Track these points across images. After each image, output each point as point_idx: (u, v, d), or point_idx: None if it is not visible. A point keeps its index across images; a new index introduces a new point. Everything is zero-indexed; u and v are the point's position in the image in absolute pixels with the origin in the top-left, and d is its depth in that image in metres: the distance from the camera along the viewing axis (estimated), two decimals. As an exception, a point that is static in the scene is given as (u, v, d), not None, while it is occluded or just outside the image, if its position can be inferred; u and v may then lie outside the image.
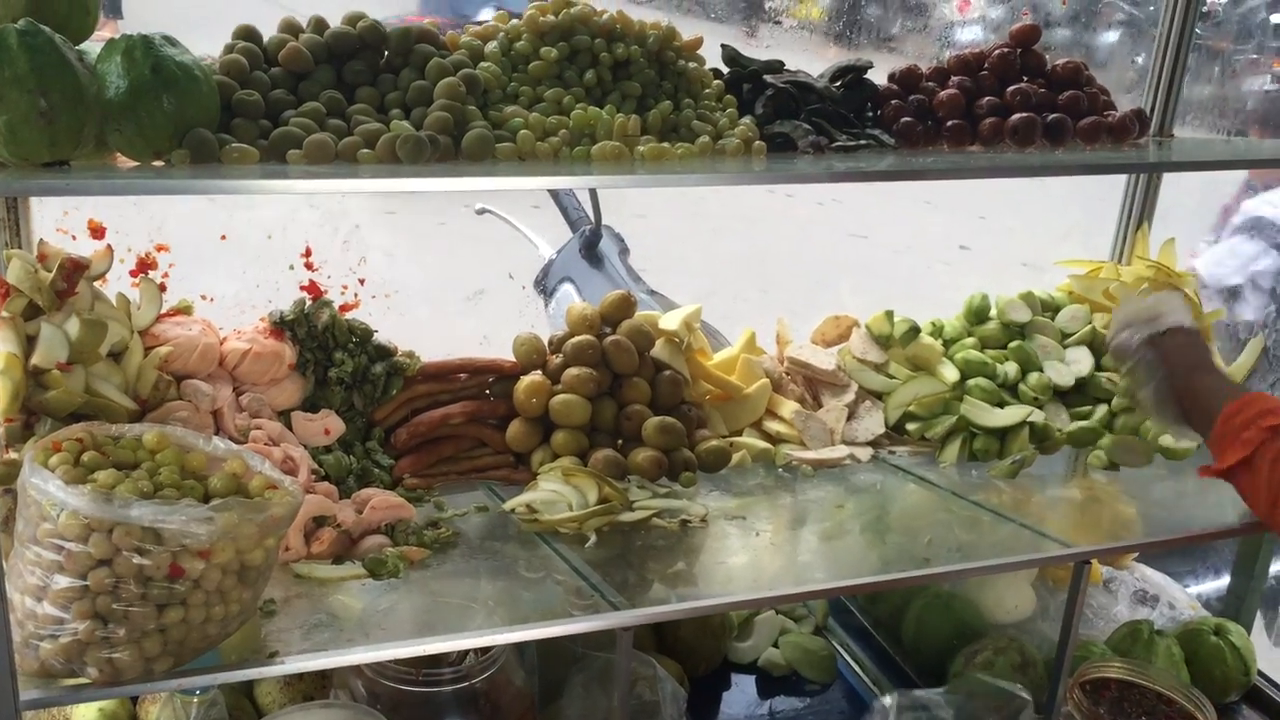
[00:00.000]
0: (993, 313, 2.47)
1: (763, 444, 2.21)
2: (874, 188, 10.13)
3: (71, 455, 1.41)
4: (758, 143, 1.91)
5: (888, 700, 2.02)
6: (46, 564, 1.34)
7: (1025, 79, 2.18)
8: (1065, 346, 2.43)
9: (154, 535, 1.34)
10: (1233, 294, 3.60)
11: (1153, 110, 2.43)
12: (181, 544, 1.35)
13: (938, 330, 2.47)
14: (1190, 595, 2.56)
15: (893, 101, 2.12)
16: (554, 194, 3.08)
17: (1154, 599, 2.44)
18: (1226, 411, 1.83)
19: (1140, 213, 2.55)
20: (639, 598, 1.66)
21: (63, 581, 1.33)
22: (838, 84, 2.12)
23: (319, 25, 1.81)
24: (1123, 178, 2.62)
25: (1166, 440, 2.26)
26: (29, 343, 1.70)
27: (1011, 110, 2.12)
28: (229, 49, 1.75)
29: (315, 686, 1.99)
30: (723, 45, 2.10)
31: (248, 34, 1.78)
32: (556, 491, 1.91)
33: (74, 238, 1.86)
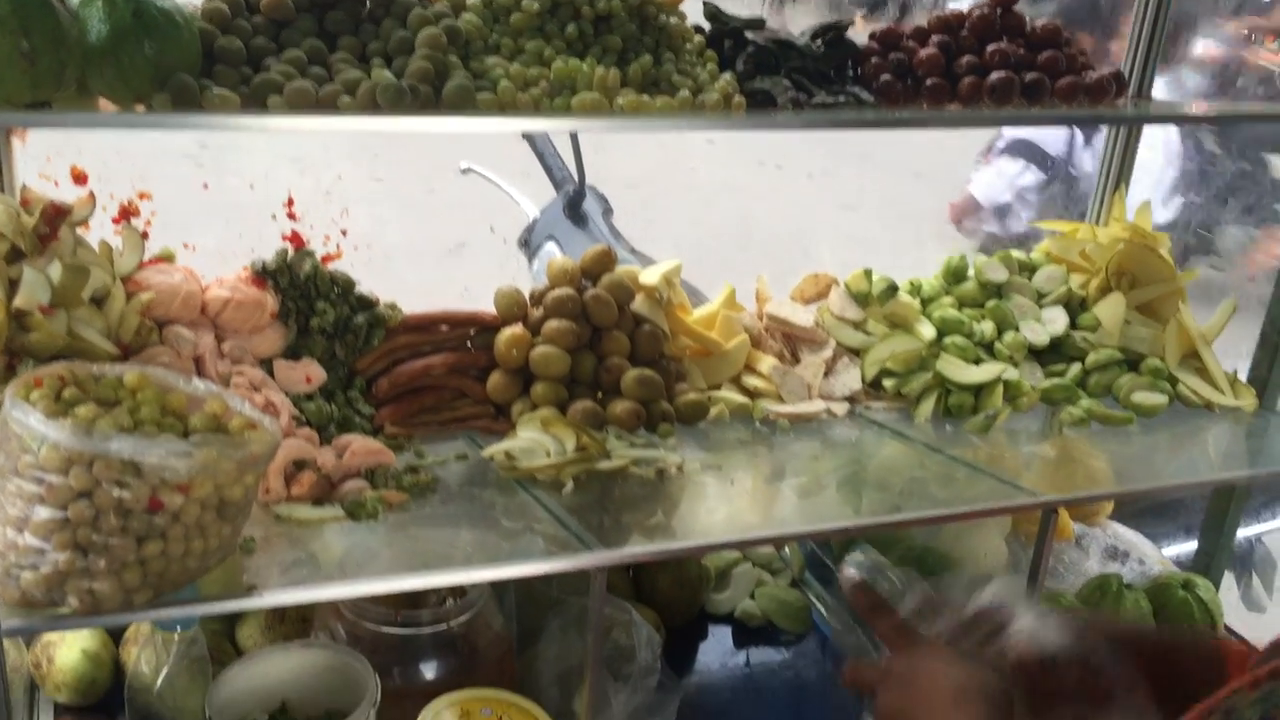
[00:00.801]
0: (970, 273, 2.50)
1: (741, 398, 2.24)
2: (864, 161, 10.16)
3: (52, 391, 1.43)
4: (738, 98, 1.93)
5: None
6: (27, 496, 1.36)
7: (1005, 39, 2.20)
8: (1041, 306, 2.46)
9: (134, 469, 1.36)
10: (1003, 211, 4.04)
11: (1131, 73, 2.45)
12: (161, 478, 1.37)
13: (916, 289, 2.49)
14: (1160, 552, 2.60)
15: (873, 60, 2.14)
16: (539, 154, 3.10)
17: (1124, 555, 2.48)
18: None
19: (1118, 175, 2.58)
20: (613, 541, 1.69)
21: (43, 513, 1.35)
22: (818, 42, 2.13)
23: (301, -26, 1.82)
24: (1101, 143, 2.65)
25: (1139, 397, 2.30)
26: (11, 286, 1.73)
27: (990, 70, 2.13)
28: (211, -4, 1.76)
29: (296, 629, 2.02)
30: (704, 2, 2.11)
31: (230, -18, 1.79)
32: (535, 440, 1.94)
33: (56, 184, 1.88)
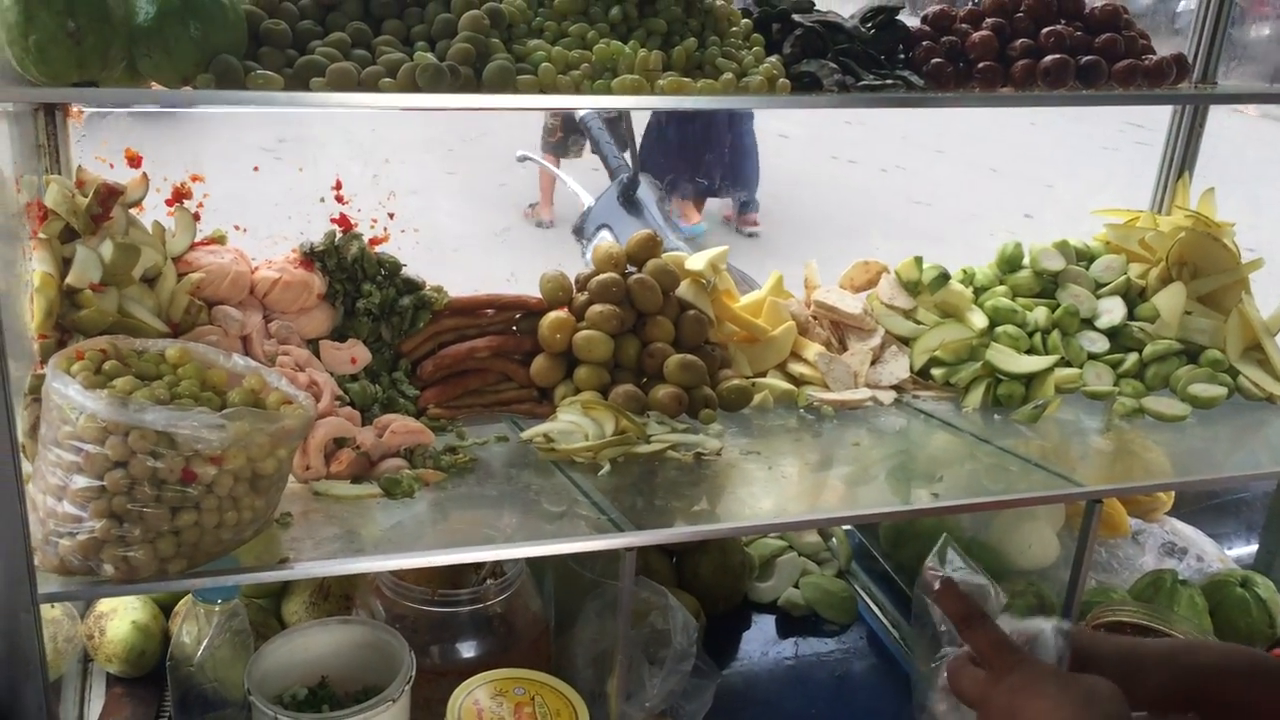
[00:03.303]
0: (1026, 261, 2.46)
1: (786, 385, 2.22)
2: (940, 157, 10.04)
3: (93, 364, 1.47)
4: (782, 81, 1.91)
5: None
6: (66, 465, 1.40)
7: (1062, 22, 2.15)
8: (1099, 296, 2.41)
9: (168, 440, 1.39)
10: None
11: (1195, 57, 2.39)
12: (194, 449, 1.40)
13: (969, 278, 2.45)
14: (1221, 550, 2.52)
15: (924, 43, 2.11)
16: (595, 143, 3.11)
17: (1182, 551, 2.42)
18: None
19: (1181, 162, 2.52)
20: (645, 523, 1.69)
21: (81, 481, 1.39)
22: (868, 25, 2.10)
23: (348, -41, 1.84)
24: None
25: (1196, 389, 2.24)
26: (65, 264, 1.77)
27: (1045, 53, 2.09)
28: (260, -20, 1.79)
29: (339, 607, 2.05)
30: (752, -15, 2.10)
31: (279, -34, 1.82)
32: (574, 422, 1.95)
33: (111, 166, 1.92)
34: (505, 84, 1.73)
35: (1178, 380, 2.27)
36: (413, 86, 1.66)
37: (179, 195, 1.98)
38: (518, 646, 1.93)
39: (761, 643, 2.33)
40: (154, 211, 1.94)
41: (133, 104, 1.55)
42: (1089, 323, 2.37)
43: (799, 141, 9.64)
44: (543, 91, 1.75)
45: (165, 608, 2.09)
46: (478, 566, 1.96)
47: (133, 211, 1.90)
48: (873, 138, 9.68)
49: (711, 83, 1.84)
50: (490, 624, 1.93)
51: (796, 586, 2.43)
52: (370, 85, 1.67)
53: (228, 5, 1.63)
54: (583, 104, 1.84)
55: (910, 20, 2.15)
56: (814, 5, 2.10)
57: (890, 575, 2.46)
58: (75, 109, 1.93)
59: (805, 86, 1.94)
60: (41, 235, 1.77)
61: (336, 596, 2.06)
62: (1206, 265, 2.39)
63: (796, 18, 2.04)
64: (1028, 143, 10.17)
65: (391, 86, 1.66)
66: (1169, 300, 2.34)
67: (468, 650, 1.92)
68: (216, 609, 1.72)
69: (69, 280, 1.74)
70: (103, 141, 1.95)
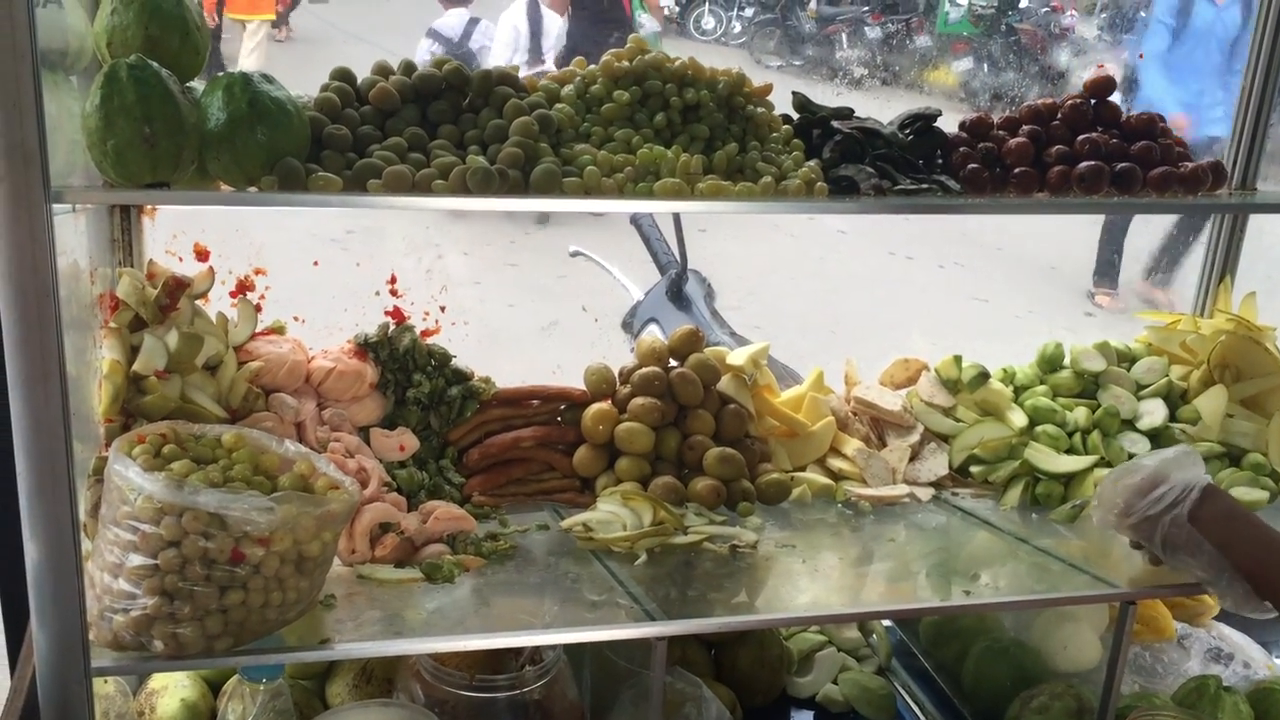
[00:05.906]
0: (1067, 361, 2.48)
1: (824, 480, 2.26)
2: (998, 254, 10.06)
3: (153, 447, 1.55)
4: (820, 184, 1.98)
5: None
6: (123, 543, 1.47)
7: (1098, 129, 2.20)
8: (1140, 398, 2.42)
9: (219, 521, 1.46)
10: None
11: (1234, 163, 2.42)
12: (244, 531, 1.47)
13: (1009, 377, 2.48)
14: (1268, 656, 2.48)
15: (961, 149, 2.17)
16: (645, 239, 3.20)
17: (1229, 657, 2.38)
18: None
19: (1223, 266, 2.54)
20: (677, 613, 1.72)
21: (136, 560, 1.46)
22: (906, 131, 2.17)
23: (408, 68, 1.95)
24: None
25: (1237, 492, 2.23)
26: (132, 352, 1.87)
27: (1081, 159, 2.14)
28: (324, 88, 1.90)
29: (382, 690, 2.09)
30: (793, 92, 2.18)
31: (343, 75, 1.93)
32: (613, 513, 1.99)
33: (180, 259, 2.03)
34: (551, 187, 1.81)
35: (1218, 484, 2.27)
36: (463, 189, 1.74)
37: (242, 287, 2.08)
38: (553, 734, 1.96)
39: (799, 738, 2.33)
40: (219, 302, 2.05)
41: (200, 205, 1.65)
42: (1130, 424, 2.38)
43: (855, 236, 9.72)
44: (587, 194, 1.83)
45: (214, 686, 2.14)
46: (516, 653, 1.99)
47: (198, 302, 2.00)
48: (930, 234, 9.71)
49: (750, 186, 1.91)
50: (527, 710, 1.96)
51: (835, 682, 2.43)
52: (423, 187, 1.76)
53: (294, 112, 1.73)
54: (625, 207, 1.92)
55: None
56: (853, 112, 2.17)
57: (930, 674, 2.46)
58: (149, 206, 2.04)
59: (843, 190, 2.00)
60: (112, 324, 1.88)
61: (379, 680, 2.10)
62: (1248, 369, 2.40)
63: (836, 124, 2.11)
64: (1090, 240, 10.15)
65: (443, 189, 1.75)
66: (1211, 403, 2.35)
67: (504, 736, 1.95)
68: (261, 688, 1.77)
69: (135, 367, 1.84)
70: (174, 235, 2.06)
